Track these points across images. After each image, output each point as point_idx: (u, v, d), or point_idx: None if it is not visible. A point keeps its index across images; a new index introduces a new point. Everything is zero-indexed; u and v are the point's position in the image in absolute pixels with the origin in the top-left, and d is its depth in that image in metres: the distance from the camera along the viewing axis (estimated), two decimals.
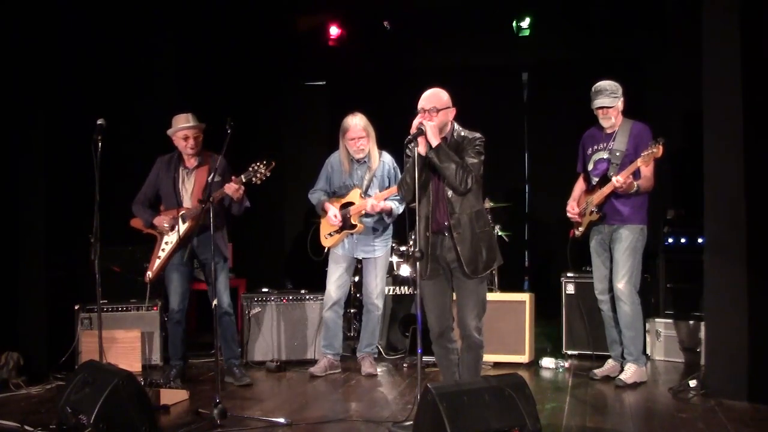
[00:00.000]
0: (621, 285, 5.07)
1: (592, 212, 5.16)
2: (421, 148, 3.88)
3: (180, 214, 5.17)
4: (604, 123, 5.16)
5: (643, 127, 5.12)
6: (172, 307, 5.28)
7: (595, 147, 5.24)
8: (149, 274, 5.25)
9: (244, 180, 4.95)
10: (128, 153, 6.08)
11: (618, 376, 5.10)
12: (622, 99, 5.12)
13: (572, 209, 5.34)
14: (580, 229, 5.30)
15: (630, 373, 5.05)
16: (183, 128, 5.17)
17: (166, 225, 5.20)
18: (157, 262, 5.23)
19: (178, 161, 5.29)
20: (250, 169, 4.95)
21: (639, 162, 4.84)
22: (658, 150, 4.75)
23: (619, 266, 5.10)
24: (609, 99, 5.07)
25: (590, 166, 5.27)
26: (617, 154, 5.06)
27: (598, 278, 5.31)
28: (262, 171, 4.93)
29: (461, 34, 7.67)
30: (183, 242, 5.14)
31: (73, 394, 3.90)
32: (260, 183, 4.96)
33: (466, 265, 3.93)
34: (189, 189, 5.23)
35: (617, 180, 4.90)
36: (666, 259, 6.00)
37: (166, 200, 5.30)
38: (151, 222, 5.29)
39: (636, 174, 5.00)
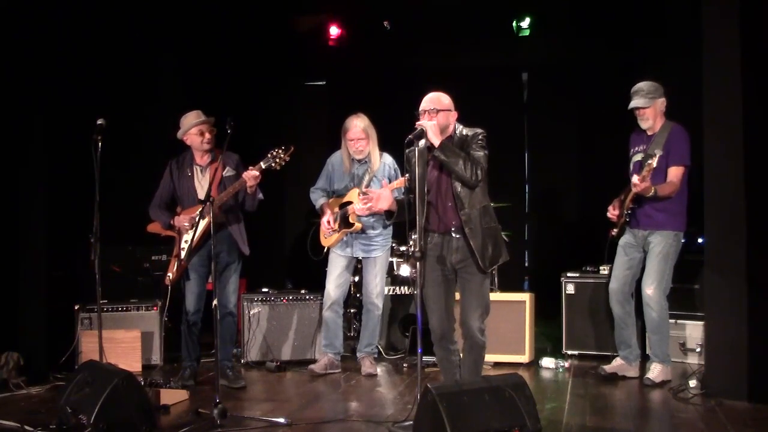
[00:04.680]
0: (650, 291, 5.05)
1: (624, 214, 5.13)
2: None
3: (199, 211, 5.03)
4: (642, 124, 5.11)
5: (679, 129, 5.05)
6: (188, 308, 5.20)
7: (636, 149, 5.20)
8: (169, 275, 5.14)
9: (263, 167, 4.91)
10: (129, 153, 6.08)
11: (646, 375, 5.10)
12: (661, 100, 5.06)
13: (611, 209, 5.24)
14: (615, 229, 5.26)
15: (657, 372, 5.07)
16: (197, 123, 5.12)
17: (186, 224, 5.11)
18: (177, 263, 5.12)
19: (191, 160, 5.24)
20: (269, 155, 4.93)
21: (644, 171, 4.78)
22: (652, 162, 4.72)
23: (649, 272, 5.07)
24: (643, 100, 5.03)
25: (630, 168, 5.23)
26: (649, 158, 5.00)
27: (615, 277, 5.28)
28: (282, 156, 4.92)
29: (461, 34, 7.66)
30: (203, 240, 5.04)
31: (73, 394, 3.91)
32: (279, 168, 4.93)
33: (480, 259, 3.94)
34: (205, 186, 5.13)
35: (633, 183, 4.86)
36: None
37: (184, 200, 5.24)
38: (169, 223, 5.22)
39: (659, 177, 4.95)
